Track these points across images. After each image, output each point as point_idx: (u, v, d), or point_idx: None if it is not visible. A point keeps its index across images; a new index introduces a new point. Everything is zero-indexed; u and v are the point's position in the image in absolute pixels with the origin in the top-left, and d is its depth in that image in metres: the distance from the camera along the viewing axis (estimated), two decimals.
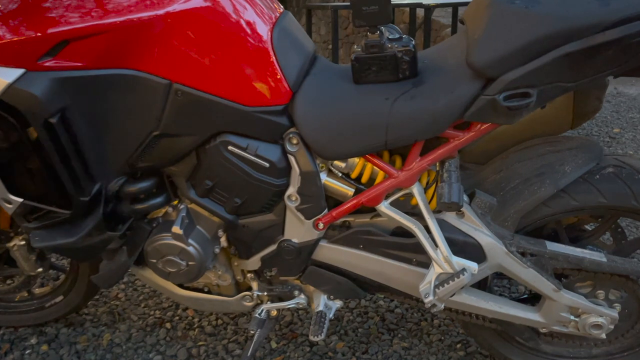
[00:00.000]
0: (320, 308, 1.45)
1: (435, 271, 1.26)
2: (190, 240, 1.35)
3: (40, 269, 1.68)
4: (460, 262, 1.25)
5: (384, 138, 1.21)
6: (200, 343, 1.79)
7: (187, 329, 1.86)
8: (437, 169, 1.31)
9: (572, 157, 1.28)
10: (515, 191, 1.29)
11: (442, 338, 1.78)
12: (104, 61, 1.15)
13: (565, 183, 1.26)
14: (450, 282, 1.22)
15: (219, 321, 1.89)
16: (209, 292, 1.56)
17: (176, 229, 1.33)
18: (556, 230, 1.43)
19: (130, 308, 1.97)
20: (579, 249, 1.33)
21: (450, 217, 1.30)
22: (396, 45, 1.23)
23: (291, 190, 1.31)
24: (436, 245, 1.26)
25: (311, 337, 1.37)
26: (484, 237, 1.29)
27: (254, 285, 1.51)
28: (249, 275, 1.50)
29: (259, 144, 1.27)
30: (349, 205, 1.31)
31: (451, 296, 1.26)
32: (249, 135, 1.27)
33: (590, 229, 1.48)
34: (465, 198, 1.31)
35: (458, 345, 1.75)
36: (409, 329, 1.83)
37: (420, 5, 3.41)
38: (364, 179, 1.32)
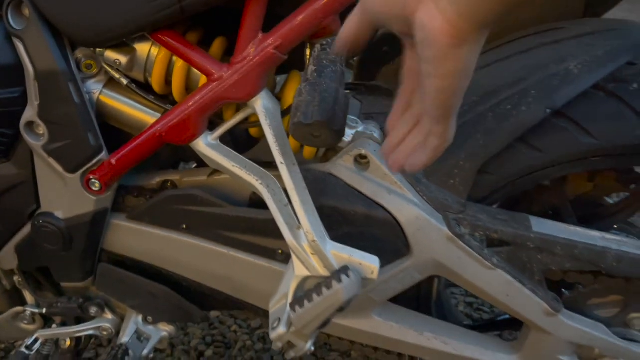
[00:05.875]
0: (125, 339, 0.80)
1: (295, 273, 0.61)
2: None
3: None
4: (343, 253, 0.59)
5: None
6: None
7: None
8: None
9: (582, 49, 0.64)
10: (473, 116, 0.65)
11: None
12: None
13: (566, 98, 0.62)
14: (315, 295, 0.57)
15: None
16: None
17: None
18: (557, 206, 0.78)
19: None
20: (596, 232, 0.67)
21: (342, 166, 0.66)
22: None
23: (30, 112, 0.67)
24: (299, 222, 0.61)
25: None
26: (407, 206, 0.64)
27: (27, 296, 0.87)
28: (15, 279, 0.86)
29: None
30: (140, 140, 0.67)
31: (321, 326, 0.60)
32: None
33: (613, 204, 0.83)
34: (377, 132, 0.67)
35: None
36: None
37: None
38: (176, 88, 0.68)
